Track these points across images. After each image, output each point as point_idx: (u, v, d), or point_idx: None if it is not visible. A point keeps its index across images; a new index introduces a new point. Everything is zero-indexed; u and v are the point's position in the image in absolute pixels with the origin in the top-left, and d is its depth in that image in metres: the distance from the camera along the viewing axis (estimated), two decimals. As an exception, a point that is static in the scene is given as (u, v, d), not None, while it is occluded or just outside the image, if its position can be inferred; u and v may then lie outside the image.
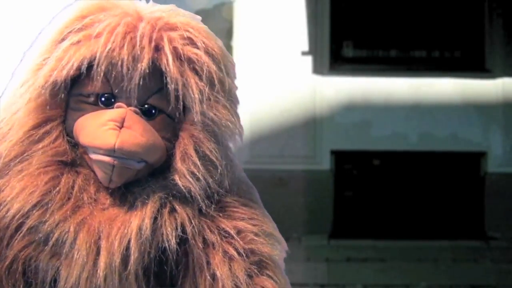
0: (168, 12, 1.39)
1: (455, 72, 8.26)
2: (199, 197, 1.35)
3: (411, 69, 8.29)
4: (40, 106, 1.35)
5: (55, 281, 1.34)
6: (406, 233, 8.07)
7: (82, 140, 1.33)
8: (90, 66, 1.33)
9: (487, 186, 8.25)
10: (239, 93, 1.45)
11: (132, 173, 1.34)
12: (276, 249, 1.43)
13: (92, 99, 1.35)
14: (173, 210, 1.35)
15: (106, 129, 1.31)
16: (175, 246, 1.33)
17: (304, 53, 8.22)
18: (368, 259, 7.26)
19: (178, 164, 1.35)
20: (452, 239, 7.92)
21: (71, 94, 1.36)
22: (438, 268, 6.94)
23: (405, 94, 8.22)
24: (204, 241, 1.37)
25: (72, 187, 1.34)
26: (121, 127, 1.31)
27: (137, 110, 1.34)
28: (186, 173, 1.34)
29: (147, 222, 1.32)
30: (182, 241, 1.35)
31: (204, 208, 1.36)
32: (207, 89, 1.34)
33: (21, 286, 1.36)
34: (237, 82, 1.44)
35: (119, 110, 1.33)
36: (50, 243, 1.32)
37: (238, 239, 1.38)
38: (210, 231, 1.37)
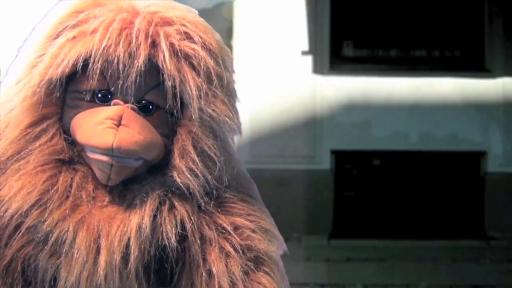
0: (164, 6, 1.37)
1: (455, 72, 8.26)
2: (198, 194, 1.34)
3: (411, 69, 8.29)
4: (36, 104, 1.34)
5: (55, 280, 1.33)
6: (406, 233, 8.07)
7: (79, 138, 1.32)
8: (86, 63, 1.31)
9: (487, 186, 8.25)
10: (237, 88, 1.43)
11: (130, 170, 1.33)
12: (273, 245, 1.42)
13: (88, 96, 1.34)
14: (172, 207, 1.34)
15: (103, 128, 1.29)
16: (175, 243, 1.33)
17: (304, 53, 8.22)
18: (368, 259, 7.26)
19: (177, 160, 1.34)
20: (452, 239, 7.92)
21: (67, 91, 1.35)
22: (438, 268, 6.94)
23: (405, 94, 8.22)
24: (201, 237, 1.36)
25: (70, 185, 1.33)
26: (119, 125, 1.30)
27: (134, 106, 1.33)
28: (184, 170, 1.33)
29: (147, 220, 1.31)
30: (182, 238, 1.35)
31: (203, 204, 1.36)
32: (204, 85, 1.33)
33: (20, 285, 1.35)
34: (235, 76, 1.42)
35: (116, 108, 1.32)
36: (50, 242, 1.31)
37: (235, 236, 1.37)
38: (208, 227, 1.37)
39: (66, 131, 1.35)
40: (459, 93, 8.23)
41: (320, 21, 8.28)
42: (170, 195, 1.34)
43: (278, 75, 8.20)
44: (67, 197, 1.32)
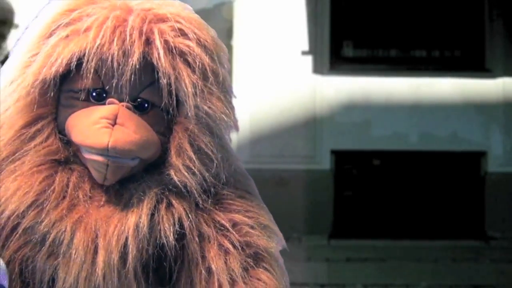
0: (158, 3, 1.36)
1: (455, 72, 8.26)
2: (195, 192, 1.34)
3: (411, 69, 8.29)
4: (30, 104, 1.32)
5: (53, 281, 1.33)
6: (406, 233, 8.06)
7: (74, 139, 1.31)
8: (79, 62, 1.30)
9: (487, 186, 8.25)
10: (233, 84, 1.43)
11: (126, 170, 1.32)
12: (272, 241, 1.42)
13: (83, 95, 1.32)
14: (170, 206, 1.33)
15: (98, 128, 1.28)
16: (173, 242, 1.32)
17: (304, 53, 8.21)
18: (368, 259, 7.26)
19: (173, 158, 1.33)
20: (452, 239, 7.92)
21: (62, 91, 1.34)
22: (438, 268, 6.94)
23: (405, 94, 8.22)
24: (200, 234, 1.35)
25: (67, 185, 1.32)
26: (114, 124, 1.29)
27: (130, 105, 1.32)
28: (181, 168, 1.32)
29: (144, 219, 1.30)
30: (180, 236, 1.34)
31: (201, 202, 1.35)
32: (200, 82, 1.32)
33: (18, 287, 1.34)
34: (230, 71, 1.41)
35: (111, 107, 1.31)
36: (47, 243, 1.30)
37: (234, 232, 1.37)
38: (206, 224, 1.36)
39: (61, 131, 1.34)
40: (459, 93, 8.23)
41: (320, 21, 8.28)
42: (167, 193, 1.33)
43: (278, 75, 8.20)
44: (64, 197, 1.32)
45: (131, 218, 1.31)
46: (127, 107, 1.32)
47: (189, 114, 1.32)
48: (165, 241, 1.32)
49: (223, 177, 1.37)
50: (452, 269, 6.96)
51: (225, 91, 1.38)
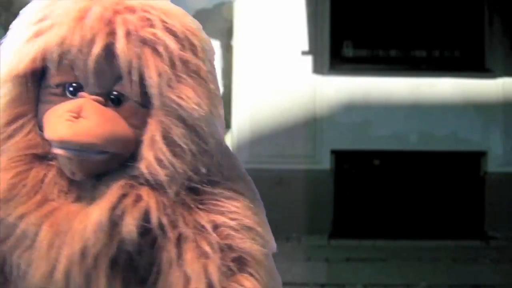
0: None
1: (455, 72, 8.26)
2: (166, 185, 1.29)
3: (411, 69, 8.29)
4: (8, 103, 1.33)
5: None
6: (406, 233, 8.07)
7: (45, 133, 1.31)
8: (60, 57, 1.30)
9: (487, 186, 8.25)
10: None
11: (96, 165, 1.30)
12: (256, 244, 1.34)
13: (59, 90, 1.32)
14: (138, 200, 1.29)
15: (61, 121, 1.27)
16: (136, 237, 1.28)
17: (304, 53, 8.22)
18: (368, 259, 7.26)
19: (145, 151, 1.30)
20: (452, 239, 7.92)
21: (42, 87, 1.34)
22: (438, 268, 6.94)
23: (405, 94, 8.22)
24: (177, 234, 1.30)
25: (42, 181, 1.31)
26: (78, 117, 1.27)
27: (99, 98, 1.30)
28: (152, 160, 1.29)
29: (105, 214, 1.27)
30: (148, 233, 1.30)
31: (181, 199, 1.31)
32: (168, 70, 1.29)
33: (2, 282, 1.34)
34: (211, 64, 1.36)
35: (78, 100, 1.30)
36: (15, 237, 1.30)
37: (214, 234, 1.30)
38: (185, 224, 1.31)
39: (41, 128, 1.34)
40: (459, 93, 8.23)
41: (320, 21, 8.28)
42: (137, 187, 1.30)
43: (278, 75, 8.20)
44: (37, 192, 1.31)
45: (94, 213, 1.28)
46: (97, 100, 1.30)
47: (155, 102, 1.29)
48: (128, 237, 1.28)
49: (205, 173, 1.32)
50: (452, 269, 6.96)
51: (201, 82, 1.32)
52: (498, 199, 8.15)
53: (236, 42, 8.43)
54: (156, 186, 1.30)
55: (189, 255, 1.29)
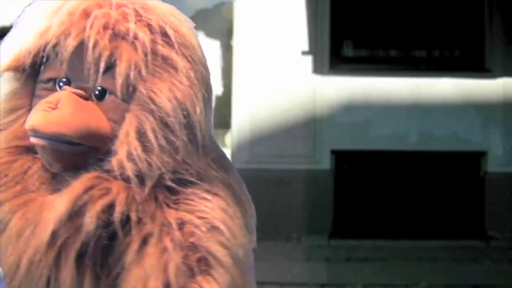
0: None
1: (455, 72, 8.27)
2: (136, 181, 1.29)
3: (411, 69, 8.29)
4: (6, 96, 1.36)
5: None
6: (406, 233, 8.07)
7: None
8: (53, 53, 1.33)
9: (487, 186, 8.25)
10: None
11: (71, 156, 1.31)
12: (223, 247, 1.30)
13: (50, 84, 1.35)
14: (106, 193, 1.29)
15: (38, 111, 1.29)
16: (95, 229, 1.27)
17: (304, 53, 8.22)
18: (368, 259, 7.26)
19: (117, 145, 1.30)
20: (452, 239, 7.92)
21: (37, 82, 1.37)
22: (438, 268, 6.94)
23: (405, 94, 8.22)
24: (144, 231, 1.29)
25: (25, 172, 1.33)
26: (55, 108, 1.29)
27: (80, 91, 1.31)
28: (123, 156, 1.29)
29: (68, 205, 1.28)
30: (109, 226, 1.29)
31: (146, 193, 1.29)
32: (140, 64, 1.30)
33: None
34: (192, 60, 1.34)
35: (58, 92, 1.32)
36: None
37: (178, 232, 1.28)
38: (152, 221, 1.29)
39: None
40: (459, 93, 8.24)
41: (320, 21, 8.28)
42: (108, 181, 1.30)
43: (278, 75, 8.20)
44: (18, 182, 1.33)
45: (58, 204, 1.29)
46: (77, 93, 1.31)
47: (118, 93, 1.30)
48: (88, 229, 1.27)
49: (181, 172, 1.31)
50: (452, 269, 6.96)
51: (179, 78, 1.32)
52: (498, 199, 8.15)
53: (236, 42, 8.43)
54: (130, 182, 1.29)
55: (151, 252, 1.28)
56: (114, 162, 1.29)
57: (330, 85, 8.24)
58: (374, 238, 7.95)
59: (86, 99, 1.32)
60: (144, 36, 1.31)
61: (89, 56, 1.30)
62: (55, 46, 1.31)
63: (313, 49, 8.23)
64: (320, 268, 7.08)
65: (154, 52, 1.31)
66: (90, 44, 1.30)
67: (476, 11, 8.34)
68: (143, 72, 1.30)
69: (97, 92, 1.32)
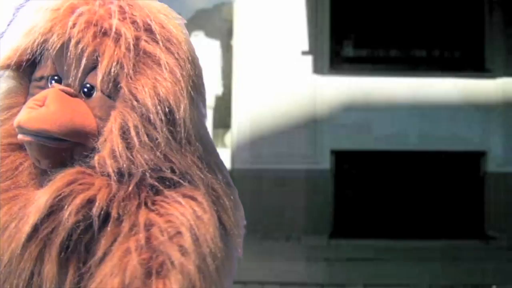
0: None
1: (455, 72, 8.27)
2: (118, 177, 1.29)
3: (411, 69, 8.29)
4: (3, 94, 1.39)
5: None
6: (406, 233, 8.07)
7: None
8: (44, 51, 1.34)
9: (487, 186, 8.26)
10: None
11: (57, 152, 1.32)
12: (185, 254, 1.27)
13: (42, 82, 1.36)
14: (87, 188, 1.29)
15: (25, 108, 1.31)
16: (76, 225, 1.27)
17: (304, 53, 8.22)
18: (368, 259, 7.26)
19: (101, 142, 1.31)
20: (452, 239, 7.92)
21: (31, 80, 1.38)
22: (438, 268, 6.94)
23: (405, 94, 8.23)
24: (116, 229, 1.28)
25: (17, 168, 1.35)
26: (42, 105, 1.30)
27: (68, 88, 1.32)
28: (106, 152, 1.29)
29: (49, 199, 1.28)
30: (89, 224, 1.29)
31: (126, 189, 1.29)
32: (122, 60, 1.30)
33: None
34: (179, 57, 1.33)
35: (45, 90, 1.33)
36: None
37: (143, 234, 1.27)
38: (124, 220, 1.29)
39: None
40: (459, 93, 8.24)
41: (320, 21, 8.29)
42: (91, 176, 1.30)
43: (278, 75, 8.20)
44: (8, 178, 1.34)
45: (39, 200, 1.29)
46: (65, 91, 1.32)
47: (99, 89, 1.31)
48: (65, 223, 1.27)
49: (162, 170, 1.30)
50: (452, 269, 6.96)
51: (163, 74, 1.31)
52: (498, 199, 8.15)
53: (236, 42, 8.43)
54: (104, 177, 1.29)
55: (115, 251, 1.27)
56: (96, 158, 1.30)
57: (330, 85, 8.24)
58: (374, 238, 7.95)
59: (75, 96, 1.33)
60: (127, 32, 1.31)
61: (72, 52, 1.31)
62: (44, 43, 1.32)
63: (313, 49, 8.23)
64: (320, 268, 7.08)
65: (138, 49, 1.31)
66: (73, 41, 1.30)
67: (476, 11, 8.35)
68: (126, 68, 1.30)
69: (85, 89, 1.33)
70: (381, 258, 7.30)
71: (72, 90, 1.32)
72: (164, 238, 1.27)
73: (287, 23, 8.21)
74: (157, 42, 1.32)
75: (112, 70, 1.29)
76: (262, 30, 8.22)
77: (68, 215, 1.28)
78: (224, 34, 10.29)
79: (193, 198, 1.32)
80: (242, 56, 8.23)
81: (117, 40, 1.31)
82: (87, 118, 1.32)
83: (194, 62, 1.37)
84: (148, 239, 1.28)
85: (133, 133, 1.29)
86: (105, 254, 1.28)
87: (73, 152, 1.33)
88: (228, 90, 8.90)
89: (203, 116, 1.41)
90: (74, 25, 1.31)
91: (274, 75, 8.20)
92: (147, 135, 1.30)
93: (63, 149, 1.32)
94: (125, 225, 1.28)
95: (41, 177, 1.34)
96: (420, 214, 8.24)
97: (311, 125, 8.20)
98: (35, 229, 1.28)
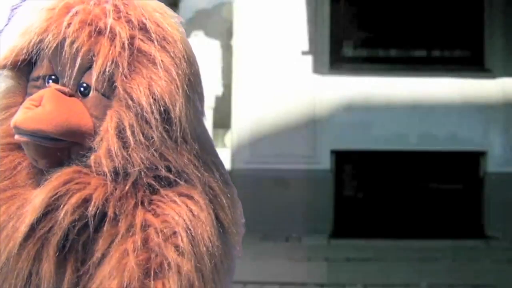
0: None
1: (455, 72, 8.26)
2: (114, 177, 1.29)
3: (411, 69, 8.29)
4: (2, 93, 1.39)
5: None
6: (406, 233, 8.06)
7: None
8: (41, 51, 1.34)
9: (487, 186, 8.25)
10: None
11: (54, 152, 1.32)
12: (181, 255, 1.27)
13: (39, 82, 1.36)
14: (83, 188, 1.29)
15: (21, 109, 1.31)
16: (72, 224, 1.28)
17: (304, 53, 8.22)
18: (368, 259, 7.25)
19: (97, 141, 1.31)
20: (452, 239, 7.92)
21: (29, 80, 1.38)
22: (438, 268, 6.93)
23: (405, 94, 8.22)
24: (113, 229, 1.29)
25: (15, 168, 1.35)
26: (39, 105, 1.30)
27: (64, 88, 1.32)
28: (102, 152, 1.29)
29: (46, 198, 1.28)
30: (85, 224, 1.29)
31: (122, 188, 1.29)
32: (117, 59, 1.29)
33: None
34: (174, 55, 1.32)
35: (42, 90, 1.33)
36: None
37: (139, 234, 1.27)
38: (120, 219, 1.29)
39: None
40: (459, 93, 8.23)
41: (320, 21, 8.28)
42: (88, 175, 1.30)
43: (278, 75, 8.20)
44: (6, 177, 1.34)
45: (36, 198, 1.29)
46: (61, 90, 1.32)
47: (94, 88, 1.31)
48: (61, 222, 1.27)
49: (157, 168, 1.29)
50: (452, 269, 6.96)
51: (159, 73, 1.30)
52: (498, 199, 8.15)
53: (236, 42, 8.42)
54: (101, 177, 1.29)
55: (113, 252, 1.28)
56: (92, 158, 1.30)
57: (330, 85, 8.23)
58: (374, 238, 7.94)
59: (72, 95, 1.32)
60: (122, 31, 1.30)
61: (67, 52, 1.30)
62: (39, 43, 1.32)
63: (313, 49, 8.23)
64: (320, 268, 7.07)
65: (133, 48, 1.31)
66: (68, 40, 1.30)
67: (476, 11, 8.34)
68: (121, 68, 1.29)
69: (81, 89, 1.33)
70: (381, 258, 7.29)
71: (68, 90, 1.32)
72: (160, 239, 1.27)
73: (287, 23, 8.21)
74: (152, 41, 1.32)
75: (107, 69, 1.29)
76: (262, 30, 8.22)
77: (64, 214, 1.28)
78: (224, 34, 10.28)
79: (190, 197, 1.32)
80: (242, 56, 8.22)
81: (112, 39, 1.30)
82: (83, 117, 1.31)
83: (190, 61, 1.36)
84: (145, 240, 1.28)
85: (128, 132, 1.29)
86: (103, 255, 1.28)
87: (70, 152, 1.33)
88: (228, 90, 8.89)
89: (200, 114, 1.40)
90: (69, 24, 1.31)
91: (274, 75, 8.19)
92: (143, 134, 1.29)
93: (60, 148, 1.32)
94: (122, 225, 1.28)
95: (39, 176, 1.34)
96: (420, 214, 8.24)
97: (311, 125, 8.20)
98: (32, 228, 1.28)
